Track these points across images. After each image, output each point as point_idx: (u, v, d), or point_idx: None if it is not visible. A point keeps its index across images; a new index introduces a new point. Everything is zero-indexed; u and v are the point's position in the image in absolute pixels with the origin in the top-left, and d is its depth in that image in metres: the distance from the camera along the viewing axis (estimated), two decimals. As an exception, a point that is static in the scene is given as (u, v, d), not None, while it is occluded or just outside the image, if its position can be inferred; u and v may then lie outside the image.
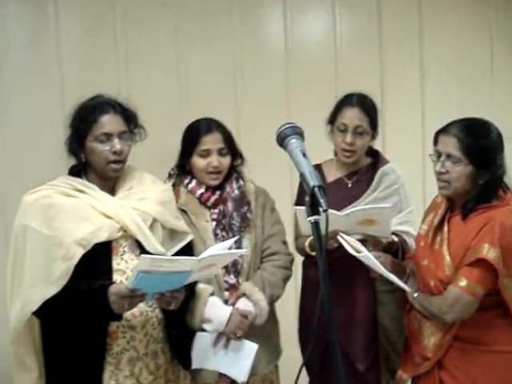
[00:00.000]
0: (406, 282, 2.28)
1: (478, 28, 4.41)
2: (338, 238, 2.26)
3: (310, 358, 2.53)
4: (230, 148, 2.49)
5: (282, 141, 1.62)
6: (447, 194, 2.18)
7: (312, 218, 1.48)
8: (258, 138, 3.12)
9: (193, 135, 2.48)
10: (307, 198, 1.48)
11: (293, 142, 1.59)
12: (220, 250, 2.01)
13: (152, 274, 1.79)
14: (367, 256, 2.16)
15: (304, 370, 2.58)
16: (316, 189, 1.46)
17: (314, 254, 2.51)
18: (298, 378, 1.58)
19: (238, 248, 2.38)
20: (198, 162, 2.45)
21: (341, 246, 2.34)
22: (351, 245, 2.23)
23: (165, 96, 3.47)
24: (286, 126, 1.63)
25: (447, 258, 2.12)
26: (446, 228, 2.19)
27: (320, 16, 3.90)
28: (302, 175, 1.51)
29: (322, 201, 1.44)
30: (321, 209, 1.46)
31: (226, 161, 2.47)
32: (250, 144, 2.93)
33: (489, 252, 1.99)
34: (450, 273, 2.10)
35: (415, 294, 2.21)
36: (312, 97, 3.64)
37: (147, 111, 3.17)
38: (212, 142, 2.44)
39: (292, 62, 3.77)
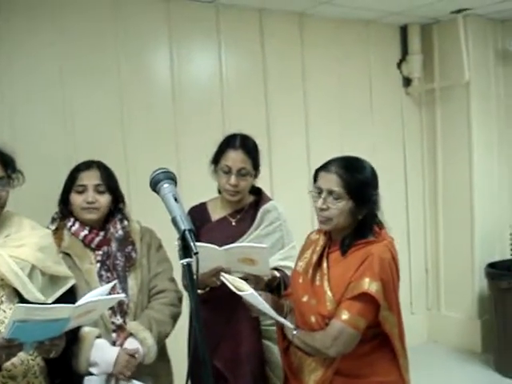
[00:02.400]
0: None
1: (357, 62, 4.73)
2: (221, 278, 2.27)
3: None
4: (110, 188, 2.50)
5: (154, 186, 1.67)
6: (328, 228, 2.22)
7: (184, 261, 1.53)
8: (146, 178, 3.18)
9: (72, 172, 2.51)
10: (179, 241, 1.53)
11: (165, 186, 1.65)
12: (98, 295, 1.98)
13: (28, 323, 1.75)
14: (252, 294, 2.12)
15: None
16: (187, 232, 1.52)
17: (199, 291, 2.54)
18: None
19: (123, 288, 2.39)
20: (75, 198, 2.46)
21: (224, 283, 2.40)
22: (234, 284, 2.21)
23: (50, 139, 3.42)
24: (159, 172, 1.69)
25: (328, 293, 2.14)
26: (325, 264, 2.22)
27: (206, 57, 4.01)
28: (173, 219, 1.56)
29: (191, 244, 1.49)
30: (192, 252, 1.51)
31: (103, 199, 2.47)
32: (138, 184, 2.95)
33: (370, 286, 2.04)
34: (331, 308, 2.11)
35: (294, 332, 2.20)
36: (200, 138, 3.72)
37: (32, 154, 3.14)
38: (88, 177, 2.47)
39: (179, 103, 3.85)
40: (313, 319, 2.17)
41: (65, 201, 2.51)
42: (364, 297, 2.05)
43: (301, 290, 2.27)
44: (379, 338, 2.16)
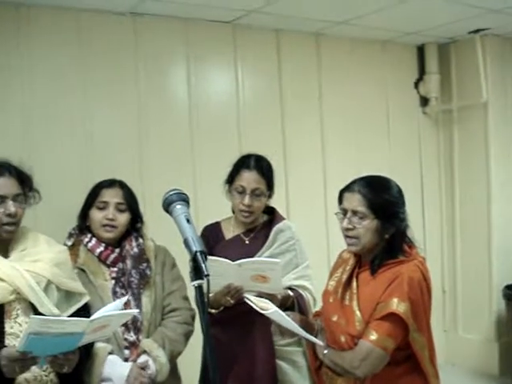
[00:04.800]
0: None
1: (374, 81, 4.71)
2: (245, 299, 2.29)
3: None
4: (130, 207, 2.54)
5: (167, 206, 1.69)
6: (357, 250, 2.22)
7: (195, 283, 1.54)
8: (161, 197, 3.21)
9: (95, 188, 2.55)
10: (190, 263, 1.55)
11: (178, 208, 1.66)
12: (112, 310, 2.01)
13: (43, 336, 1.78)
14: (276, 312, 2.15)
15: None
16: (198, 254, 1.53)
17: (213, 311, 2.56)
18: None
19: (137, 305, 2.41)
20: (95, 213, 2.50)
21: (238, 303, 2.41)
22: (258, 304, 2.24)
23: (70, 157, 3.46)
24: (172, 193, 1.71)
25: (357, 313, 2.13)
26: (354, 284, 2.22)
27: (223, 77, 4.05)
28: (185, 241, 1.58)
29: (203, 266, 1.51)
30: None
31: (123, 217, 2.51)
32: (153, 203, 2.97)
33: (398, 306, 2.03)
34: (360, 328, 2.11)
35: (325, 351, 2.21)
36: (216, 157, 3.75)
37: (50, 173, 3.17)
38: (111, 195, 2.51)
39: (196, 122, 3.88)
40: (342, 339, 2.16)
41: (84, 216, 2.54)
42: (392, 317, 2.04)
43: (331, 309, 2.28)
44: (411, 361, 2.14)
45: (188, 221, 1.62)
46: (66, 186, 3.33)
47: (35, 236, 2.25)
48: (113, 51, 3.60)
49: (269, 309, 2.17)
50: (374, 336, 2.05)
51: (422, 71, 5.02)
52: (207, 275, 1.51)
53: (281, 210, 2.89)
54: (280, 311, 2.16)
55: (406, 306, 2.04)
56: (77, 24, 3.48)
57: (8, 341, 2.02)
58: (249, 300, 2.27)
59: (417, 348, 2.10)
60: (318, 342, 2.23)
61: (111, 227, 2.48)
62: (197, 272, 1.54)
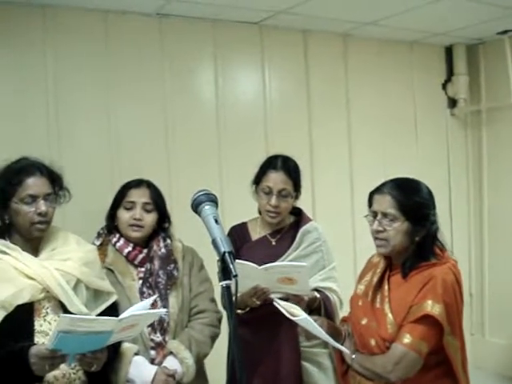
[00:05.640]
0: (342, 344, 2.25)
1: (401, 83, 4.68)
2: (274, 303, 2.27)
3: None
4: (157, 207, 2.56)
5: (196, 207, 1.70)
6: (386, 252, 2.19)
7: (223, 283, 1.55)
8: (189, 197, 3.23)
9: (122, 188, 2.58)
10: (219, 263, 1.55)
11: (206, 208, 1.67)
12: (140, 309, 2.02)
13: (72, 334, 1.79)
14: (305, 319, 2.12)
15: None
16: (226, 254, 1.53)
17: (239, 311, 2.56)
18: None
19: (164, 306, 2.42)
20: (122, 213, 2.53)
21: (265, 304, 2.42)
22: (287, 309, 2.21)
23: (96, 156, 3.50)
24: (201, 193, 1.71)
25: (389, 316, 2.11)
26: (386, 287, 2.20)
27: (250, 78, 4.06)
28: (213, 241, 1.58)
29: (231, 266, 1.51)
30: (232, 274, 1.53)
31: (150, 217, 2.53)
32: (181, 203, 2.99)
33: (433, 308, 2.01)
34: (392, 331, 2.08)
35: (353, 356, 2.19)
36: (243, 158, 3.76)
37: (78, 171, 3.20)
38: (138, 195, 2.53)
39: (223, 123, 3.89)
40: (373, 342, 2.14)
41: (112, 216, 2.57)
42: (427, 319, 2.02)
43: (360, 312, 2.26)
44: (442, 367, 2.11)
45: (216, 221, 1.63)
46: (93, 184, 3.36)
47: (65, 235, 2.28)
48: (139, 51, 3.63)
49: (298, 315, 2.14)
50: (408, 339, 2.02)
51: (450, 72, 4.97)
52: (235, 276, 1.51)
53: (307, 213, 2.87)
54: (309, 318, 2.13)
55: (441, 307, 2.01)
56: (103, 25, 3.52)
57: (37, 339, 2.04)
58: (278, 304, 2.25)
59: (450, 351, 2.07)
60: (345, 349, 2.20)
61: (138, 227, 2.50)
62: (225, 272, 1.54)
